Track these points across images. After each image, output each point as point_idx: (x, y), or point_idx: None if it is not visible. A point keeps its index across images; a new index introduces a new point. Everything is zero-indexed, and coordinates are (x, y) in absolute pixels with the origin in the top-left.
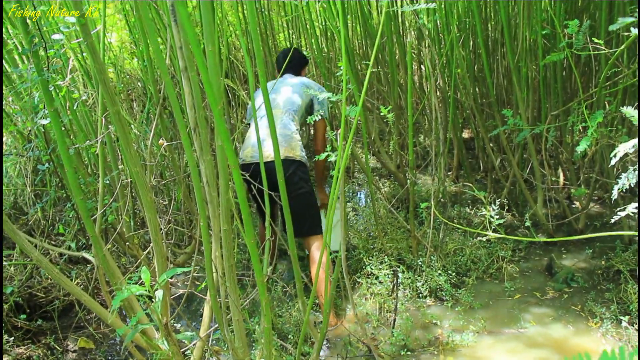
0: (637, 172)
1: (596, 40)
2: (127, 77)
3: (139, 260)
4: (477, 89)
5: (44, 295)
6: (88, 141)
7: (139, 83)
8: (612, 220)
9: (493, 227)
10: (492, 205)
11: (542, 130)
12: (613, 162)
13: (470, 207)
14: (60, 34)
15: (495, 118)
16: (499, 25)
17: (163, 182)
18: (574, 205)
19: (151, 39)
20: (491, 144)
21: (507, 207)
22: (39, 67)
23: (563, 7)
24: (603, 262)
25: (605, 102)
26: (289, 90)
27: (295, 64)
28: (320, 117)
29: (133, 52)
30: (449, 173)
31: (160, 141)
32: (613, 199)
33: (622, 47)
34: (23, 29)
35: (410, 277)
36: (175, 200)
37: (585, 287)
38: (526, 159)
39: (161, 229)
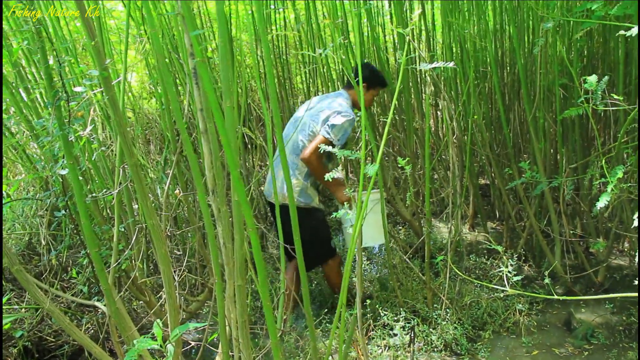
0: None
1: (615, 97)
2: (145, 117)
3: (153, 310)
4: (493, 138)
5: (53, 340)
6: (105, 190)
7: (156, 124)
8: (635, 282)
9: (511, 283)
10: (510, 260)
11: (560, 183)
12: (635, 223)
13: (486, 257)
14: (82, 86)
15: (511, 167)
16: (516, 75)
17: (178, 232)
18: (592, 257)
19: (171, 97)
20: (507, 192)
21: (523, 258)
22: (61, 120)
23: (579, 58)
24: (624, 318)
25: (625, 154)
26: (301, 124)
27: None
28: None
29: (152, 93)
30: (465, 221)
31: (177, 191)
32: (638, 261)
33: None
34: (47, 82)
35: (425, 330)
36: (190, 247)
37: (607, 344)
38: (543, 208)
39: (175, 281)
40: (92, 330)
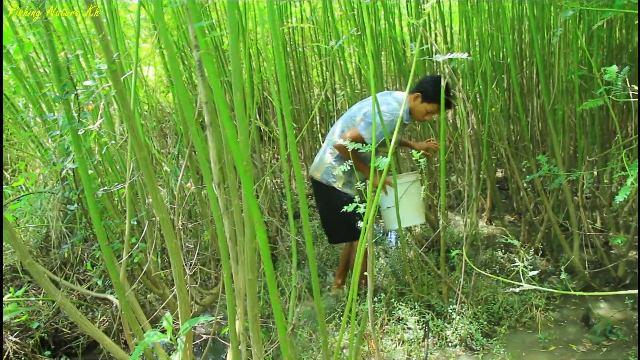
0: None
1: (635, 87)
2: (161, 111)
3: (165, 302)
4: (511, 129)
5: (69, 332)
6: (117, 184)
7: (173, 117)
8: None
9: (526, 278)
10: (526, 255)
11: (578, 176)
12: None
13: (503, 251)
14: (92, 80)
15: (529, 160)
16: (534, 65)
17: (190, 226)
18: (612, 252)
19: (179, 88)
20: (525, 185)
21: (541, 252)
22: (70, 113)
23: (599, 48)
24: None
25: None
26: (341, 118)
27: (416, 85)
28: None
29: (169, 86)
30: (482, 214)
31: (188, 184)
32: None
33: None
34: (56, 76)
35: (439, 325)
36: (203, 240)
37: (626, 340)
38: (561, 201)
39: (186, 274)
40: (107, 323)
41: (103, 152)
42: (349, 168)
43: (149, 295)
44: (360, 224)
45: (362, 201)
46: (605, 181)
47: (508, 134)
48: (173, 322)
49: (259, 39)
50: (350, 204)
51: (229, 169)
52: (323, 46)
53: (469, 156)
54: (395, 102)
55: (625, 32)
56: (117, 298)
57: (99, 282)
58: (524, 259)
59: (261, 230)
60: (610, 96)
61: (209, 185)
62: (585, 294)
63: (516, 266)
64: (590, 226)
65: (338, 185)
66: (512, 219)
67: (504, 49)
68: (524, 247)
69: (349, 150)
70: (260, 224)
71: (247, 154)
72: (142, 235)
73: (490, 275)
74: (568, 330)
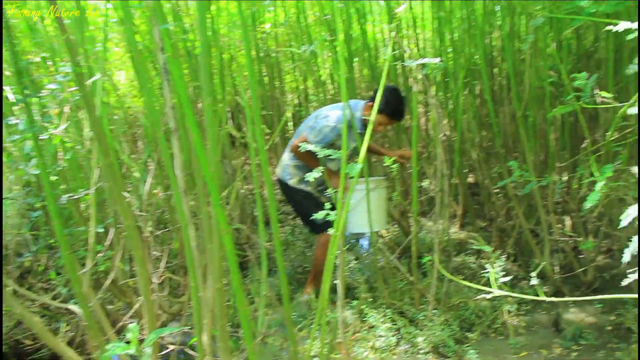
0: None
1: (604, 94)
2: (133, 116)
3: (131, 311)
4: (482, 135)
5: (32, 342)
6: (81, 190)
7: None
8: (624, 283)
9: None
10: (498, 261)
11: (549, 182)
12: (624, 223)
13: (475, 257)
14: (56, 83)
15: (501, 166)
16: (504, 72)
17: (158, 234)
18: (581, 256)
19: (145, 92)
20: (496, 191)
21: (513, 258)
22: (31, 117)
23: (569, 56)
24: (613, 318)
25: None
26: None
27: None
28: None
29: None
30: (454, 220)
31: (156, 191)
32: (624, 262)
33: (633, 100)
34: (17, 79)
35: (411, 332)
36: (172, 247)
37: (595, 344)
38: (532, 207)
39: (153, 283)
40: (73, 333)
41: (67, 158)
42: (299, 165)
43: (117, 304)
44: (317, 216)
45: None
46: (574, 186)
47: (480, 140)
48: (140, 332)
49: (231, 44)
50: (307, 199)
51: (198, 176)
52: (296, 51)
53: (441, 162)
54: (340, 112)
55: (594, 40)
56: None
57: (64, 291)
58: (495, 265)
59: (228, 239)
60: (581, 103)
61: (175, 192)
62: (556, 299)
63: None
64: (560, 231)
65: (293, 182)
66: (484, 224)
67: (476, 56)
68: (495, 253)
69: (301, 151)
70: (227, 232)
71: (215, 160)
72: (109, 243)
73: (462, 281)
74: (539, 335)
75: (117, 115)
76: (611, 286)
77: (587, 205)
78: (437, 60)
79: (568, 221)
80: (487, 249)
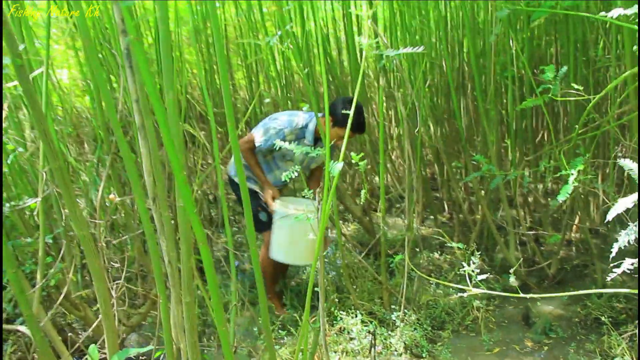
0: (637, 228)
1: (575, 86)
2: (77, 116)
3: (90, 330)
4: (443, 129)
5: None
6: (27, 198)
7: (89, 122)
8: (608, 278)
9: (473, 282)
10: (472, 257)
11: (516, 176)
12: (610, 216)
13: (439, 252)
14: None
15: (465, 160)
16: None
17: (115, 242)
18: (541, 248)
19: (102, 88)
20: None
21: (478, 252)
22: None
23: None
24: (580, 310)
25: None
26: None
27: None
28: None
29: (84, 90)
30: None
31: (111, 196)
32: (612, 256)
33: (603, 92)
34: None
35: (383, 333)
36: (129, 255)
37: (565, 337)
38: (493, 200)
39: (112, 297)
40: (20, 353)
41: (9, 162)
42: (246, 164)
43: (69, 317)
44: (261, 215)
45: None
46: (537, 181)
47: (442, 134)
48: (99, 350)
49: (180, 41)
50: (251, 198)
51: (157, 178)
52: (246, 45)
53: (408, 158)
54: (289, 117)
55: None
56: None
57: (9, 309)
58: (471, 262)
59: (206, 252)
60: (551, 96)
61: (139, 199)
62: (544, 295)
63: (458, 269)
64: (526, 225)
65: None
66: (444, 219)
67: (438, 49)
68: (467, 251)
69: (245, 149)
70: (204, 244)
71: (182, 160)
72: (60, 254)
73: (436, 280)
74: (510, 330)
75: (59, 115)
76: (573, 277)
77: (560, 198)
78: (421, 48)
79: (526, 214)
80: (457, 245)
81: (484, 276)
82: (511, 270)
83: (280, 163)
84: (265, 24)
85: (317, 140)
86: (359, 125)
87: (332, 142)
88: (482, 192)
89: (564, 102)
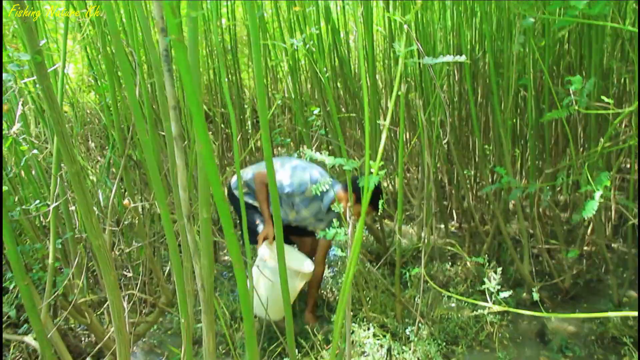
0: None
1: (606, 99)
2: (85, 113)
3: (100, 343)
4: (458, 139)
5: None
6: (37, 202)
7: (96, 119)
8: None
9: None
10: (493, 273)
11: (535, 189)
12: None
13: (449, 263)
14: (7, 72)
15: (482, 171)
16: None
17: (128, 250)
18: (553, 261)
19: (128, 88)
20: (470, 194)
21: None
22: None
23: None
24: (595, 327)
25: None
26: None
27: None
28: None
29: (91, 85)
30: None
31: (126, 201)
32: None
33: (633, 107)
34: None
35: (396, 347)
36: (135, 260)
37: (582, 356)
38: (506, 213)
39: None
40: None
41: (22, 164)
42: (251, 190)
43: (72, 322)
44: (259, 228)
45: None
46: (565, 194)
47: (455, 142)
48: None
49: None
50: (248, 209)
51: (203, 195)
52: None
53: (428, 168)
54: (324, 178)
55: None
56: (35, 339)
57: (12, 314)
58: (492, 278)
59: (241, 275)
60: (578, 109)
61: (163, 211)
62: (560, 315)
63: (470, 281)
64: (542, 239)
65: (238, 194)
66: (453, 228)
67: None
68: (489, 266)
69: (261, 183)
70: (240, 267)
71: (219, 174)
72: (70, 261)
73: (456, 296)
74: (525, 347)
75: (67, 113)
76: (587, 292)
77: (586, 215)
78: (463, 58)
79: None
80: (480, 260)
81: (506, 293)
82: (534, 289)
83: (286, 207)
84: (275, 25)
85: (329, 209)
86: (375, 205)
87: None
88: (497, 202)
89: (583, 114)
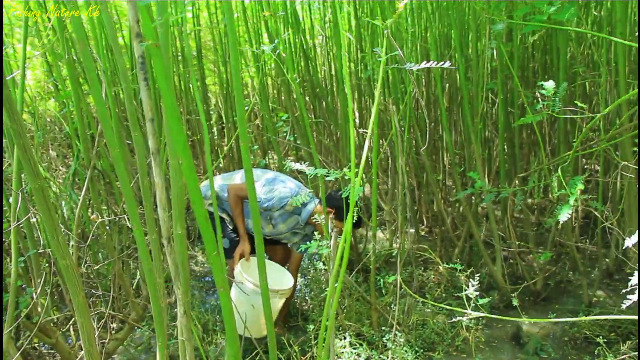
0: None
1: (579, 104)
2: (45, 120)
3: None
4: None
5: None
6: None
7: (56, 127)
8: (623, 307)
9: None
10: (471, 280)
11: (507, 193)
12: (628, 243)
13: (422, 268)
14: None
15: (454, 177)
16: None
17: (97, 267)
18: (524, 263)
19: (96, 98)
20: (441, 198)
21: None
22: None
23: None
24: (568, 328)
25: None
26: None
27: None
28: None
29: (50, 93)
30: (393, 227)
31: (93, 216)
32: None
33: (606, 110)
34: None
35: (374, 356)
36: (104, 277)
37: (557, 357)
38: (478, 215)
39: (95, 330)
40: None
41: None
42: (225, 200)
43: (35, 340)
44: (224, 242)
45: None
46: (537, 197)
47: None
48: None
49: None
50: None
51: (178, 214)
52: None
53: (402, 174)
54: (305, 196)
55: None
56: None
57: None
58: (471, 284)
59: (226, 299)
60: (551, 113)
61: (137, 231)
62: (551, 320)
63: (443, 286)
64: (515, 242)
65: (205, 204)
66: (423, 232)
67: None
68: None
69: (235, 195)
70: (226, 290)
71: (200, 195)
72: (37, 278)
73: (442, 305)
74: (501, 350)
75: (27, 121)
76: (558, 293)
77: (562, 218)
78: (447, 64)
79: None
80: (457, 266)
81: (485, 300)
82: (514, 294)
83: (262, 220)
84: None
85: (307, 222)
86: (360, 223)
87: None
88: (468, 207)
89: (549, 119)
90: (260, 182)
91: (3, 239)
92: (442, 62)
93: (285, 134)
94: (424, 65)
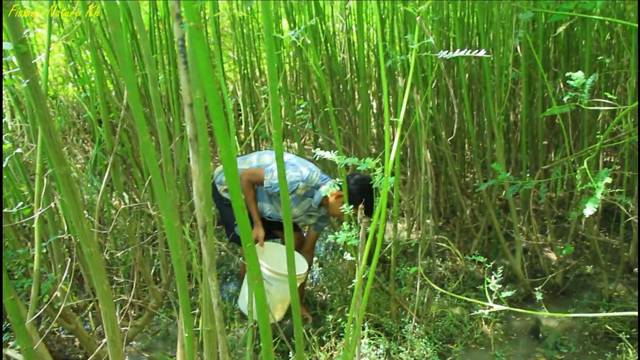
0: None
1: (609, 95)
2: (64, 105)
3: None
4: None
5: None
6: (20, 204)
7: (74, 112)
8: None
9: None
10: (494, 273)
11: (531, 185)
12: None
13: (440, 258)
14: None
15: (475, 166)
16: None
17: (119, 254)
18: (543, 256)
19: (128, 84)
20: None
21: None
22: None
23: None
24: (588, 322)
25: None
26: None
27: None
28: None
29: (69, 77)
30: (411, 219)
31: (116, 202)
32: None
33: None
34: None
35: (392, 347)
36: (123, 263)
37: (577, 352)
38: (498, 207)
39: (118, 319)
40: None
41: (5, 164)
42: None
43: (53, 326)
44: (236, 229)
45: None
46: (560, 190)
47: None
48: None
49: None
50: (229, 208)
51: (207, 208)
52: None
53: (426, 164)
54: (309, 172)
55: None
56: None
57: None
58: (493, 277)
59: (260, 292)
60: (579, 104)
61: (167, 220)
62: (559, 314)
63: (462, 277)
64: (536, 234)
65: (222, 189)
66: (441, 223)
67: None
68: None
69: (247, 180)
70: (260, 282)
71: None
72: (58, 264)
73: (461, 297)
74: (520, 344)
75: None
76: (577, 287)
77: (587, 212)
78: (483, 52)
79: (524, 222)
80: (480, 258)
81: (509, 293)
82: (538, 288)
83: (276, 204)
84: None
85: (321, 204)
86: (371, 210)
87: (338, 216)
88: (489, 199)
89: (575, 111)
90: (271, 166)
91: (24, 225)
92: (476, 51)
93: (304, 122)
94: (457, 53)
